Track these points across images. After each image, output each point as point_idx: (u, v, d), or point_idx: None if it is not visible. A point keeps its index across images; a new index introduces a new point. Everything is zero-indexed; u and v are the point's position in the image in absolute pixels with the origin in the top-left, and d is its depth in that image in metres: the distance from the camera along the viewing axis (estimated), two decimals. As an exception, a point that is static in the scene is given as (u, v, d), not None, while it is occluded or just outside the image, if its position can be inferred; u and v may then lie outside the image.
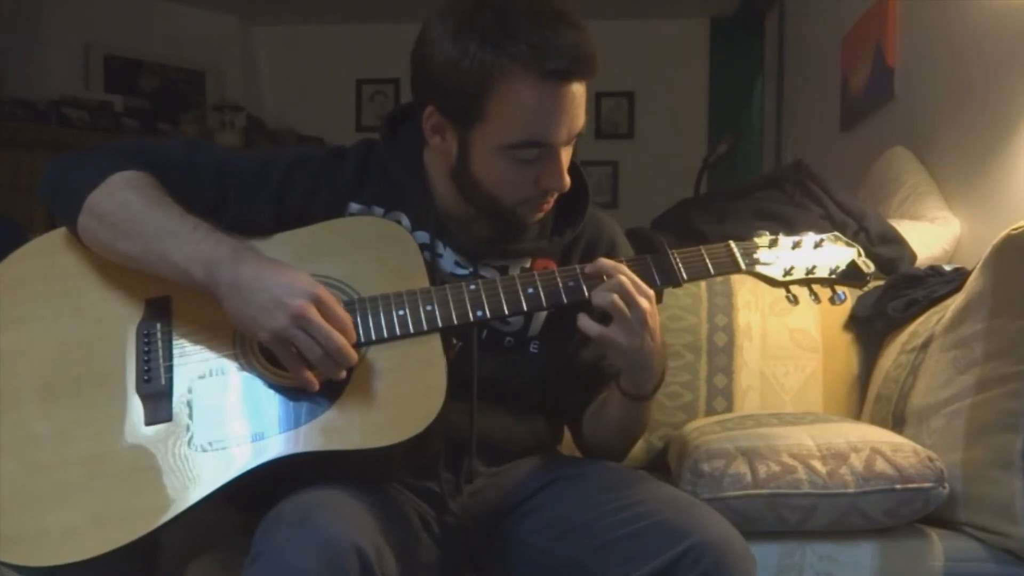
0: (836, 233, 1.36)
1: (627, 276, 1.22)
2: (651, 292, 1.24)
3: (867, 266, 1.33)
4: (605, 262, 1.25)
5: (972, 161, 2.25)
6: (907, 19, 2.78)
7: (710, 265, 1.30)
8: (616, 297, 1.21)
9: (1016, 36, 2.03)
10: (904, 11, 2.80)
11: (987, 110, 2.17)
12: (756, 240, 1.33)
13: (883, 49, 2.90)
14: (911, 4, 2.75)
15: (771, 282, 1.33)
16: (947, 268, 1.88)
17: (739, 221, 2.01)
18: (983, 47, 2.21)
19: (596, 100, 5.56)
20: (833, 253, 1.33)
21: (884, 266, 1.96)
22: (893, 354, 1.76)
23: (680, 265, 1.29)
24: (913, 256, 2.06)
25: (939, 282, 1.80)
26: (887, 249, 2.02)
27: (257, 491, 1.17)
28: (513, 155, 1.26)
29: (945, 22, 2.46)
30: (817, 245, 1.33)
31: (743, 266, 1.31)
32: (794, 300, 1.33)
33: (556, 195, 1.33)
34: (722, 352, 1.88)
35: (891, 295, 1.84)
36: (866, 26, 3.11)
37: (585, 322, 1.23)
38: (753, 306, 1.91)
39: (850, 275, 1.33)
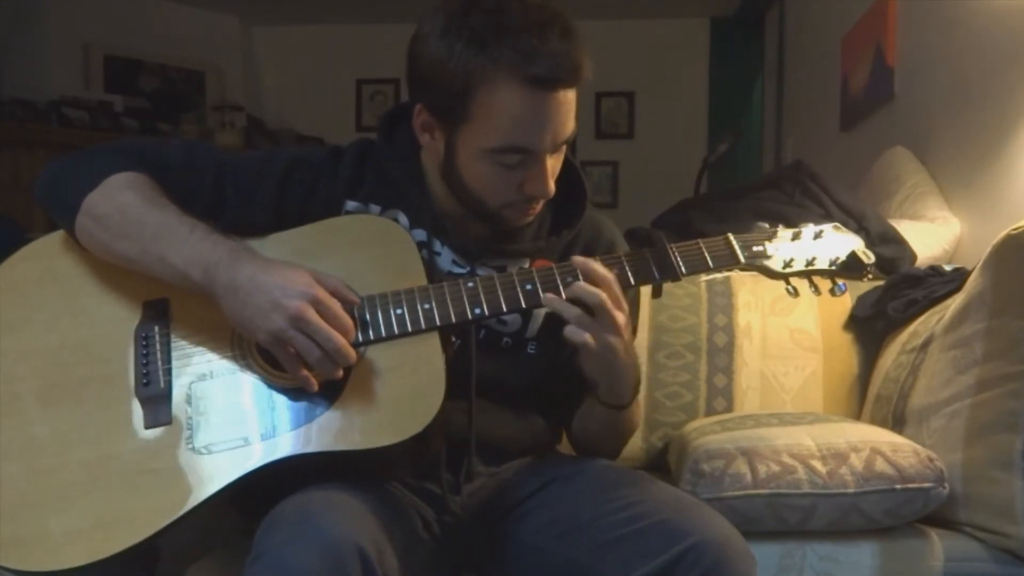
0: (837, 224, 1.35)
1: (609, 287, 1.22)
2: (625, 307, 1.24)
3: (867, 256, 1.31)
4: (596, 267, 1.23)
5: (972, 161, 2.25)
6: (907, 19, 2.78)
7: (709, 258, 1.29)
8: (597, 301, 1.20)
9: (1016, 36, 2.03)
10: (904, 11, 2.80)
11: (987, 110, 2.17)
12: (755, 233, 1.33)
13: (883, 49, 2.91)
14: (911, 4, 2.75)
15: (771, 274, 1.31)
16: (947, 268, 1.88)
17: (739, 221, 2.00)
18: (983, 47, 2.21)
19: (596, 100, 5.58)
20: (833, 244, 1.32)
21: (884, 266, 1.95)
22: (893, 354, 1.76)
23: (678, 258, 1.28)
24: (913, 256, 2.06)
25: (939, 282, 1.80)
26: (887, 249, 2.02)
27: (258, 492, 1.17)
28: (496, 159, 1.25)
29: (945, 22, 2.46)
30: (816, 236, 1.32)
31: (742, 259, 1.30)
32: (794, 292, 1.33)
33: (543, 200, 1.32)
34: (722, 352, 1.88)
35: (891, 295, 1.84)
36: (866, 26, 3.12)
37: (569, 330, 1.22)
38: (753, 306, 1.91)
39: (850, 266, 1.31)
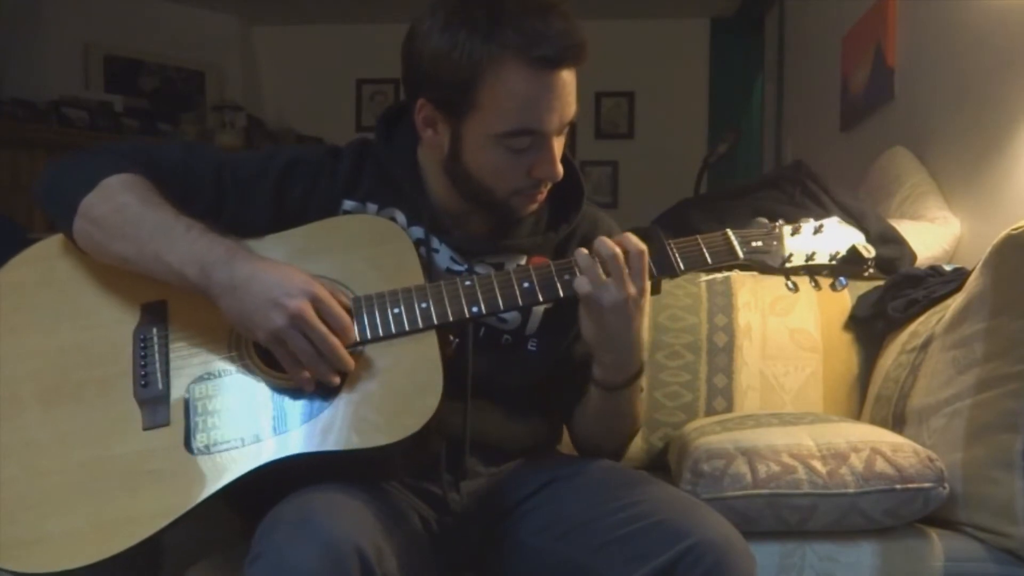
0: (838, 218, 1.34)
1: (641, 257, 1.23)
2: (645, 282, 1.24)
3: (867, 251, 1.30)
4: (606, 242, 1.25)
5: (972, 161, 2.25)
6: (907, 19, 2.78)
7: (707, 254, 1.29)
8: (618, 251, 1.22)
9: (1016, 36, 2.03)
10: (904, 11, 2.80)
11: (987, 110, 2.17)
12: (754, 228, 1.32)
13: (883, 49, 2.91)
14: (911, 4, 2.75)
15: (770, 270, 1.31)
16: (947, 268, 1.88)
17: (739, 221, 2.00)
18: (983, 47, 2.21)
19: (596, 100, 5.58)
20: (833, 239, 1.31)
21: (884, 266, 1.95)
22: (893, 354, 1.76)
23: (676, 255, 1.28)
24: (913, 256, 2.05)
25: (939, 282, 1.79)
26: (887, 249, 2.01)
27: (256, 493, 1.17)
28: (506, 144, 1.26)
29: (945, 22, 2.46)
30: (817, 231, 1.31)
31: (741, 254, 1.29)
32: (794, 287, 1.32)
33: (549, 185, 1.33)
34: (722, 352, 1.88)
35: (891, 295, 1.84)
36: (866, 26, 3.12)
37: (578, 280, 1.23)
38: (753, 306, 1.91)
39: (850, 261, 1.30)
